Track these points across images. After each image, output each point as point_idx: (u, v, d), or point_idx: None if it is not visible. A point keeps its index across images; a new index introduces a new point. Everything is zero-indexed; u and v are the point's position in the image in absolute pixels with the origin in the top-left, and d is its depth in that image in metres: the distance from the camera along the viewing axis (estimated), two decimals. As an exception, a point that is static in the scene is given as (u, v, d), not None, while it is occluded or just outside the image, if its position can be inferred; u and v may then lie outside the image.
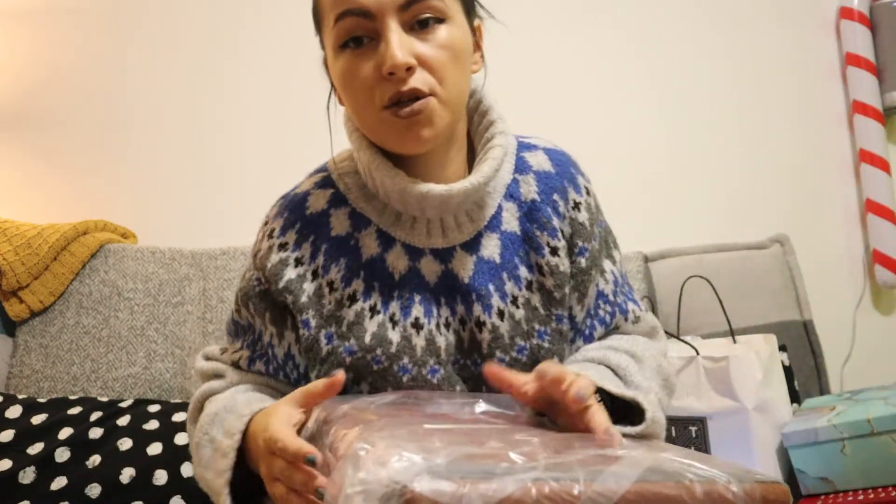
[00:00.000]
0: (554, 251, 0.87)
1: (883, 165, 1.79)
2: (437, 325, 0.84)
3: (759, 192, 1.83)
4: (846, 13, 1.83)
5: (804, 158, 1.85)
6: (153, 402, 1.36)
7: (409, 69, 0.76)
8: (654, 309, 1.54)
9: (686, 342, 1.14)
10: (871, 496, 0.95)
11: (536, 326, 0.86)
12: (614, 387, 0.79)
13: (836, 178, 1.85)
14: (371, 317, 0.84)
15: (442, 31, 0.78)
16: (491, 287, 0.85)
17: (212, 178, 1.76)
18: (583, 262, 0.88)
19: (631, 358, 0.86)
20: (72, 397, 1.37)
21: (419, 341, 0.83)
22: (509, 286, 0.86)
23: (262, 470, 0.74)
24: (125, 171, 1.76)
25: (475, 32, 0.86)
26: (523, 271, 0.87)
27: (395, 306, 0.84)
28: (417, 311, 0.84)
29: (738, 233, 1.70)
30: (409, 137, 0.78)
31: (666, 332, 1.24)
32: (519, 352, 0.85)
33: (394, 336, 0.83)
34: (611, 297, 0.92)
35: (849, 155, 1.86)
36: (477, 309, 0.84)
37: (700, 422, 1.07)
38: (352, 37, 0.78)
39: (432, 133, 0.79)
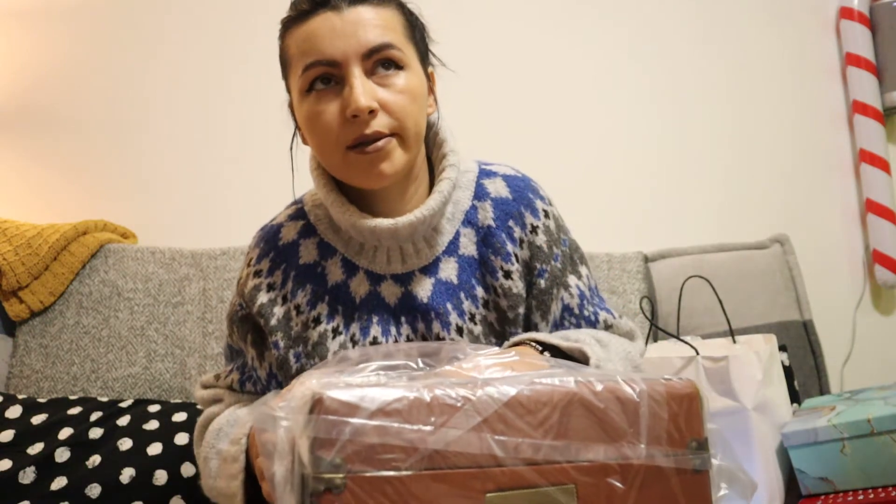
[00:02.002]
0: (507, 275, 0.92)
1: (883, 165, 1.79)
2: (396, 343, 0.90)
3: (759, 192, 1.83)
4: (846, 13, 1.83)
5: (804, 158, 1.85)
6: (153, 402, 1.36)
7: (372, 112, 0.82)
8: (654, 309, 1.54)
9: (686, 342, 1.14)
10: (871, 496, 0.95)
11: (493, 340, 0.92)
12: (558, 339, 0.85)
13: (835, 177, 1.85)
14: (333, 337, 0.90)
15: (401, 78, 0.85)
16: (449, 306, 0.91)
17: (212, 178, 1.76)
18: (542, 282, 0.94)
19: (595, 340, 0.90)
20: (72, 397, 1.37)
21: None
22: (467, 305, 0.91)
23: (256, 470, 0.78)
24: (125, 171, 1.76)
25: (429, 78, 0.93)
26: (480, 291, 0.92)
27: (355, 327, 0.91)
28: (375, 331, 0.91)
29: (738, 233, 1.70)
30: (372, 173, 0.84)
31: (666, 332, 1.24)
32: None
33: None
34: (576, 311, 0.97)
35: (849, 155, 1.86)
36: (436, 326, 0.90)
37: (700, 422, 1.07)
38: (319, 77, 0.84)
39: (392, 169, 0.85)
